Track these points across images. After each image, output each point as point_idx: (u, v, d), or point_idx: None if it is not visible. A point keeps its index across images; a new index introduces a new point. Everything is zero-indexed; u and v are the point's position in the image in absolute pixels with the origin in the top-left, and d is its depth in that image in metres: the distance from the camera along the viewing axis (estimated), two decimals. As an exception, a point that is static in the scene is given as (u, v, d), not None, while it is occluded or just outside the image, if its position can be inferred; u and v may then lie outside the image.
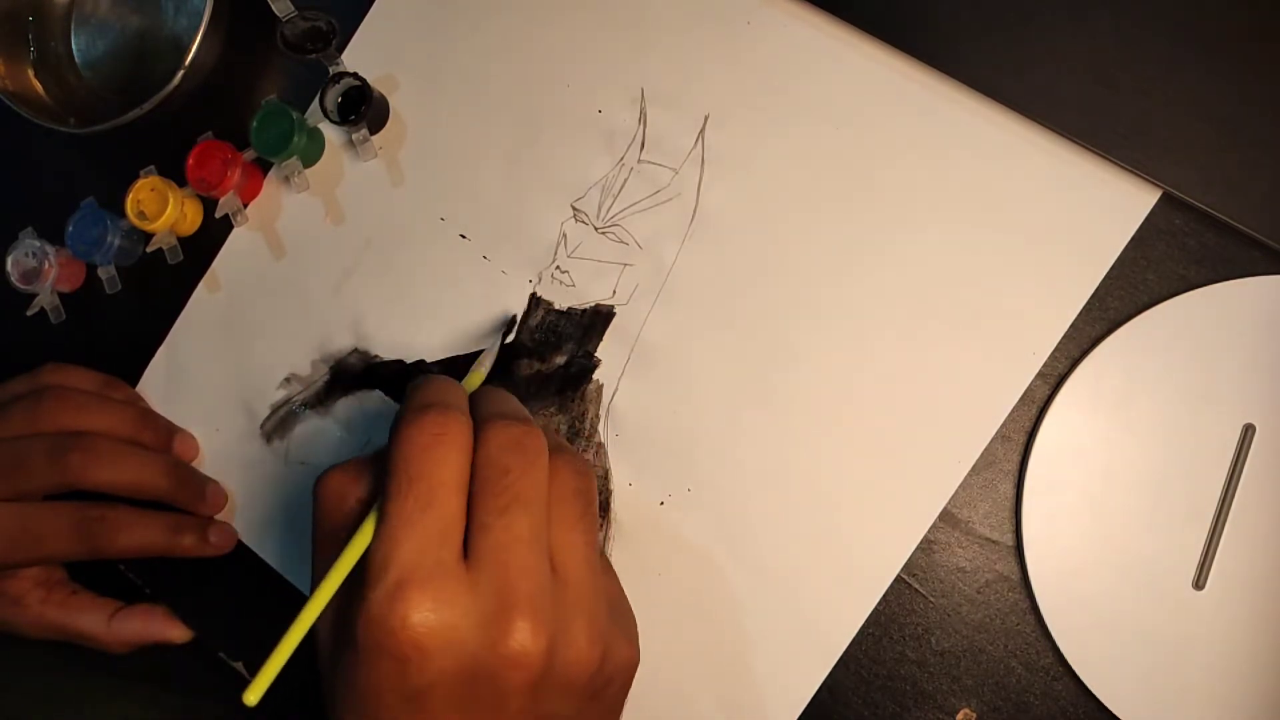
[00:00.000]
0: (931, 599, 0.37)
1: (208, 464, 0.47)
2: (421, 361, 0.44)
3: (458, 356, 0.44)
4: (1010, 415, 0.37)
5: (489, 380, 0.38)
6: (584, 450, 0.41)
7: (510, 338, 0.42)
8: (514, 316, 0.43)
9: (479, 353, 0.43)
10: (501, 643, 0.27)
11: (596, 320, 0.42)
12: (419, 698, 0.27)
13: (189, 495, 0.44)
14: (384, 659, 0.27)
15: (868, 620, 0.37)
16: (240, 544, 0.46)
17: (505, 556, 0.28)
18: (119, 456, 0.42)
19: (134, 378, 0.48)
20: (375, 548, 0.28)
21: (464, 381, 0.36)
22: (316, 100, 0.45)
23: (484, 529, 0.28)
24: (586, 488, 0.31)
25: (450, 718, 0.28)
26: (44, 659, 0.44)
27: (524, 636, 0.27)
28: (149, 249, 0.47)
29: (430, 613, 0.26)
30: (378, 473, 0.30)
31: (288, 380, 0.46)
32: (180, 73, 0.45)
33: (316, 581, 0.29)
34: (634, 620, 0.34)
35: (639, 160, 0.42)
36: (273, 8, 0.44)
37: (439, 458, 0.28)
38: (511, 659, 0.27)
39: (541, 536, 0.29)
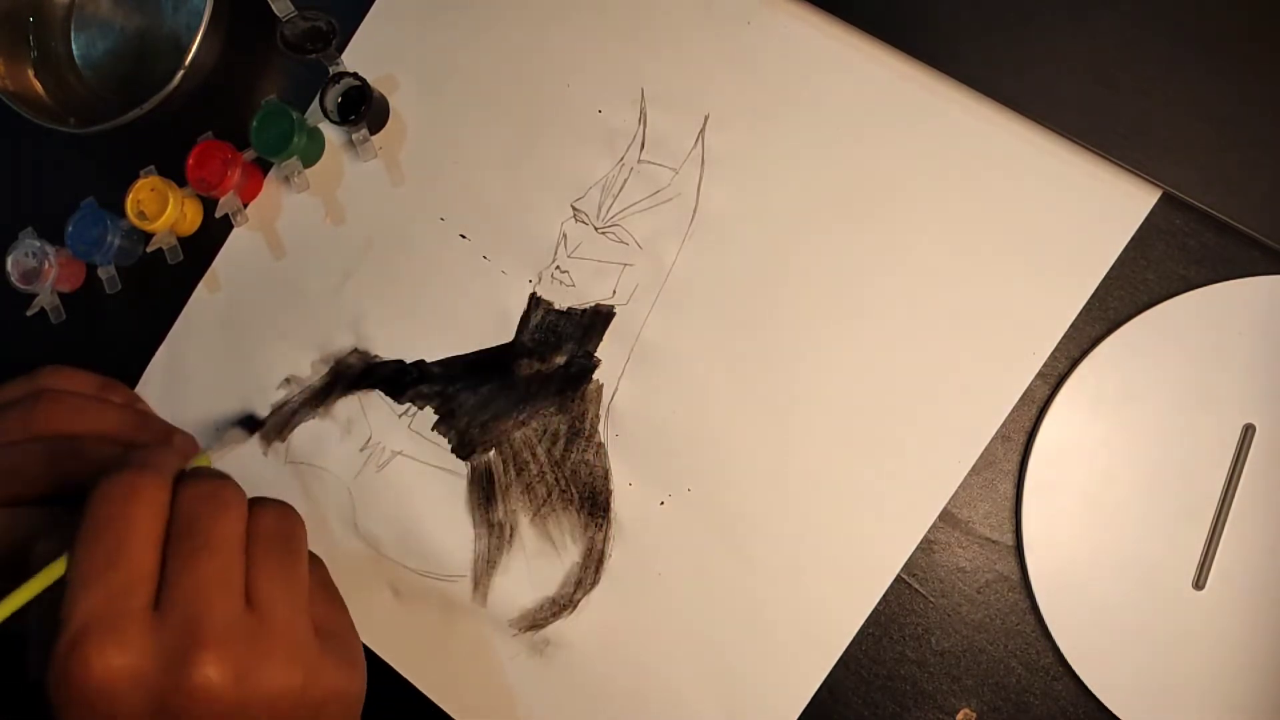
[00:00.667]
0: (931, 599, 0.37)
1: (208, 464, 0.47)
2: (421, 361, 0.44)
3: (457, 356, 0.44)
4: (1010, 415, 0.37)
5: (499, 388, 0.38)
6: (584, 450, 0.41)
7: (252, 435, 0.45)
8: (253, 416, 0.45)
9: (478, 353, 0.43)
10: (186, 678, 0.28)
11: (596, 320, 0.42)
12: None
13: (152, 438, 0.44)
14: (73, 706, 0.28)
15: (868, 620, 0.37)
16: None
17: (191, 596, 0.29)
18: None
19: (134, 378, 0.48)
20: (64, 598, 0.28)
21: (192, 461, 0.37)
22: (316, 100, 0.45)
23: (172, 574, 0.29)
24: (287, 529, 0.33)
25: None
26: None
27: (209, 670, 0.28)
28: (149, 249, 0.47)
29: (114, 657, 0.27)
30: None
31: (288, 380, 0.46)
32: (180, 73, 0.45)
33: None
34: (356, 647, 0.34)
35: (639, 160, 0.42)
36: (273, 8, 0.44)
37: (130, 513, 0.30)
38: (198, 692, 0.28)
39: (232, 578, 0.30)
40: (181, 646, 0.28)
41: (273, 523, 0.32)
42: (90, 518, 0.30)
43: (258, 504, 0.33)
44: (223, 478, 0.32)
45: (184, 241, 0.47)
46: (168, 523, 0.30)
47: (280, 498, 0.45)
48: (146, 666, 0.28)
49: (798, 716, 0.38)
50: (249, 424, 0.45)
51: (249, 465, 0.46)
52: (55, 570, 0.30)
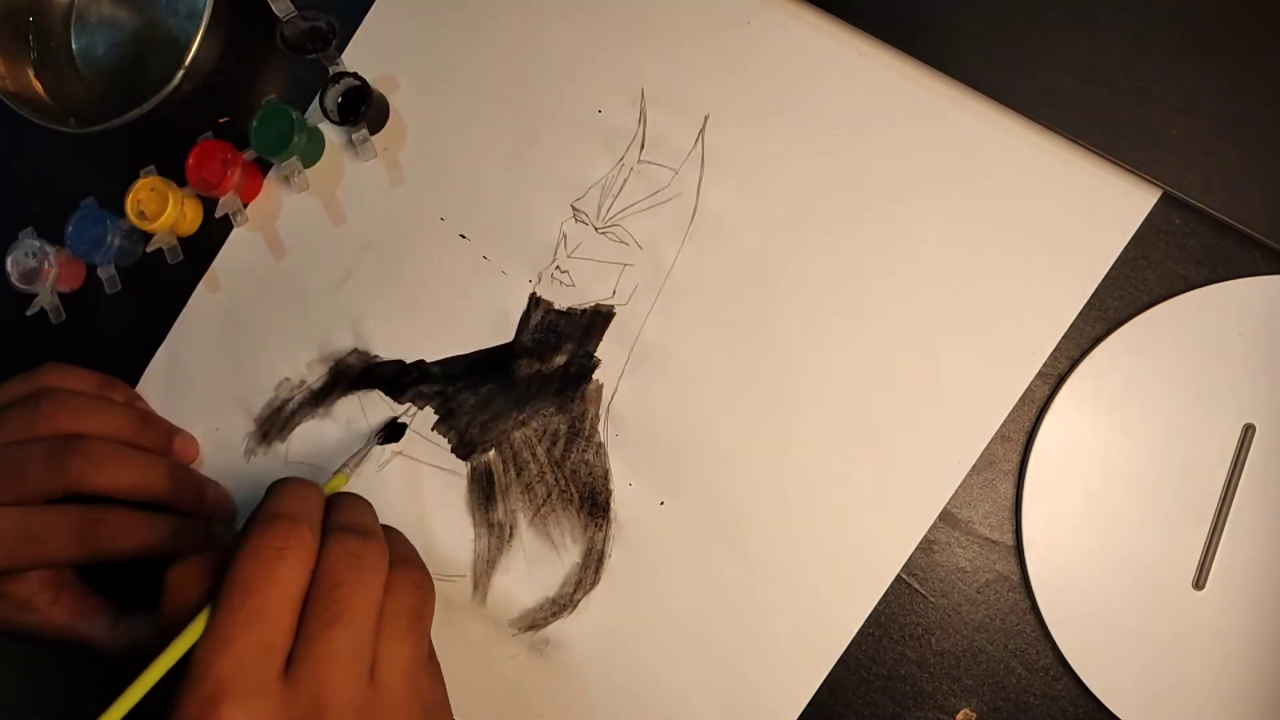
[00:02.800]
0: (931, 599, 0.37)
1: (208, 464, 0.47)
2: (421, 361, 0.44)
3: (457, 357, 0.44)
4: (1010, 415, 0.37)
5: (499, 388, 0.39)
6: (584, 450, 0.41)
7: (380, 442, 0.43)
8: (393, 420, 0.44)
9: (478, 353, 0.43)
10: None
11: (596, 320, 0.42)
12: None
13: (189, 497, 0.44)
14: None
15: (868, 620, 0.37)
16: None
17: (324, 670, 0.29)
18: (118, 460, 0.42)
19: (134, 378, 0.48)
20: (199, 653, 0.28)
21: (325, 485, 0.37)
22: (316, 100, 0.45)
23: (308, 641, 0.29)
24: (421, 602, 0.33)
25: None
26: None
27: None
28: (149, 249, 0.47)
29: None
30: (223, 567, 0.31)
31: (287, 380, 0.46)
32: (180, 73, 0.45)
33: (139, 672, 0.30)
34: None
35: (639, 160, 0.42)
36: (273, 8, 0.44)
37: (276, 574, 0.30)
38: None
39: (364, 649, 0.30)
40: (307, 717, 0.28)
41: (410, 592, 0.32)
42: (239, 571, 0.29)
43: (398, 569, 0.32)
44: (367, 536, 0.32)
45: (184, 241, 0.47)
46: (311, 579, 0.30)
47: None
48: None
49: (798, 716, 0.38)
50: (390, 434, 0.43)
51: (249, 465, 0.46)
52: (199, 627, 0.30)
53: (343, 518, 0.33)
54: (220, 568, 0.31)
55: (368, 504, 0.35)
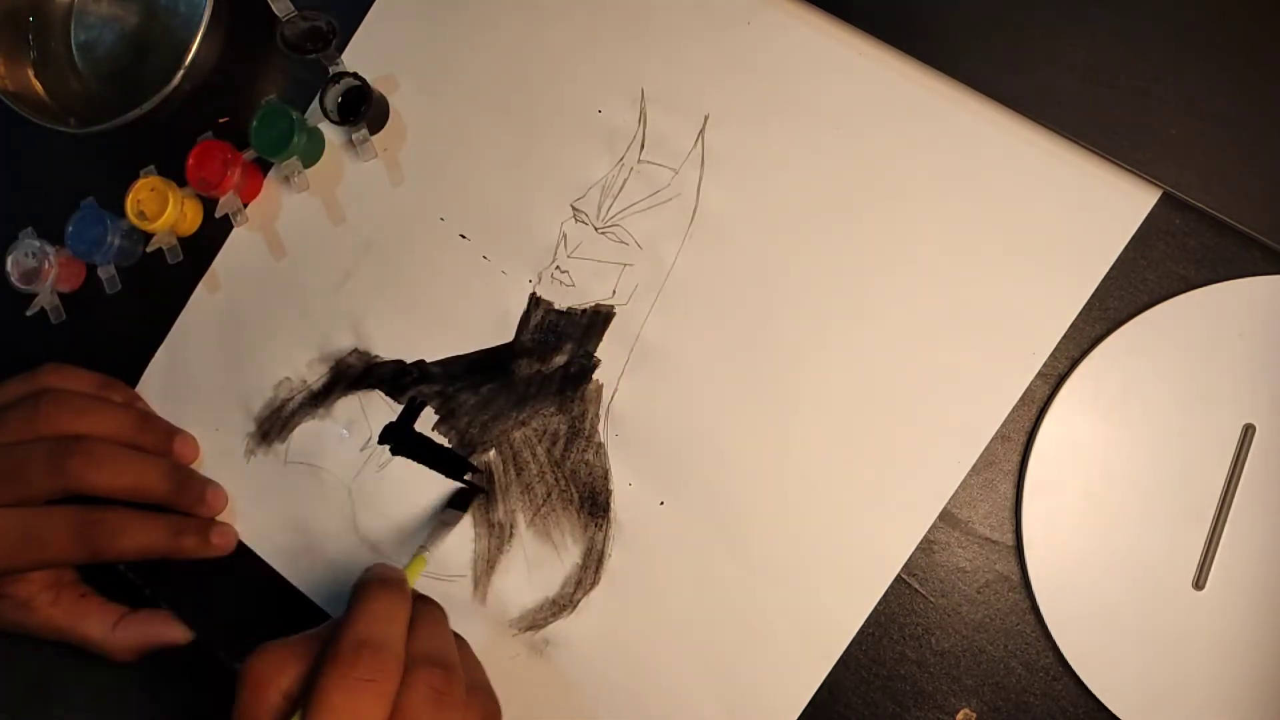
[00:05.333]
0: (931, 599, 0.37)
1: (208, 464, 0.47)
2: (421, 361, 0.44)
3: (457, 357, 0.44)
4: (1010, 415, 0.37)
5: (499, 388, 0.38)
6: (584, 450, 0.41)
7: (463, 515, 0.43)
8: (473, 489, 0.43)
9: (478, 353, 0.43)
10: None
11: (596, 320, 0.42)
12: None
13: (189, 498, 0.44)
14: None
15: (868, 620, 0.37)
16: (241, 544, 0.46)
17: None
18: (118, 460, 0.42)
19: (134, 378, 0.48)
20: None
21: (408, 567, 0.37)
22: (316, 100, 0.45)
23: None
24: None
25: None
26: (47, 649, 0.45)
27: None
28: (149, 249, 0.47)
29: None
30: (308, 672, 0.31)
31: (287, 380, 0.46)
32: (180, 73, 0.45)
33: None
34: None
35: (639, 160, 0.42)
36: (273, 8, 0.44)
37: (364, 707, 0.30)
38: None
39: None
40: None
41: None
42: (326, 699, 0.30)
43: (472, 696, 0.33)
44: (450, 670, 0.32)
45: (184, 241, 0.47)
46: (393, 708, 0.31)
47: (280, 498, 0.45)
48: None
49: (797, 716, 0.38)
50: (461, 502, 0.43)
51: (249, 466, 0.46)
52: None
53: (426, 646, 0.33)
54: (302, 668, 0.31)
55: (445, 618, 0.35)
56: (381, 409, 0.44)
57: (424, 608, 0.35)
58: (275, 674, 0.31)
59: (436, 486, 0.43)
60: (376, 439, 0.44)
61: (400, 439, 0.44)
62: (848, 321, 0.39)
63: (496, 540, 0.42)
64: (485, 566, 0.42)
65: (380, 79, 0.46)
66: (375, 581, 0.34)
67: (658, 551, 0.40)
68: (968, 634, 0.37)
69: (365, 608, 0.33)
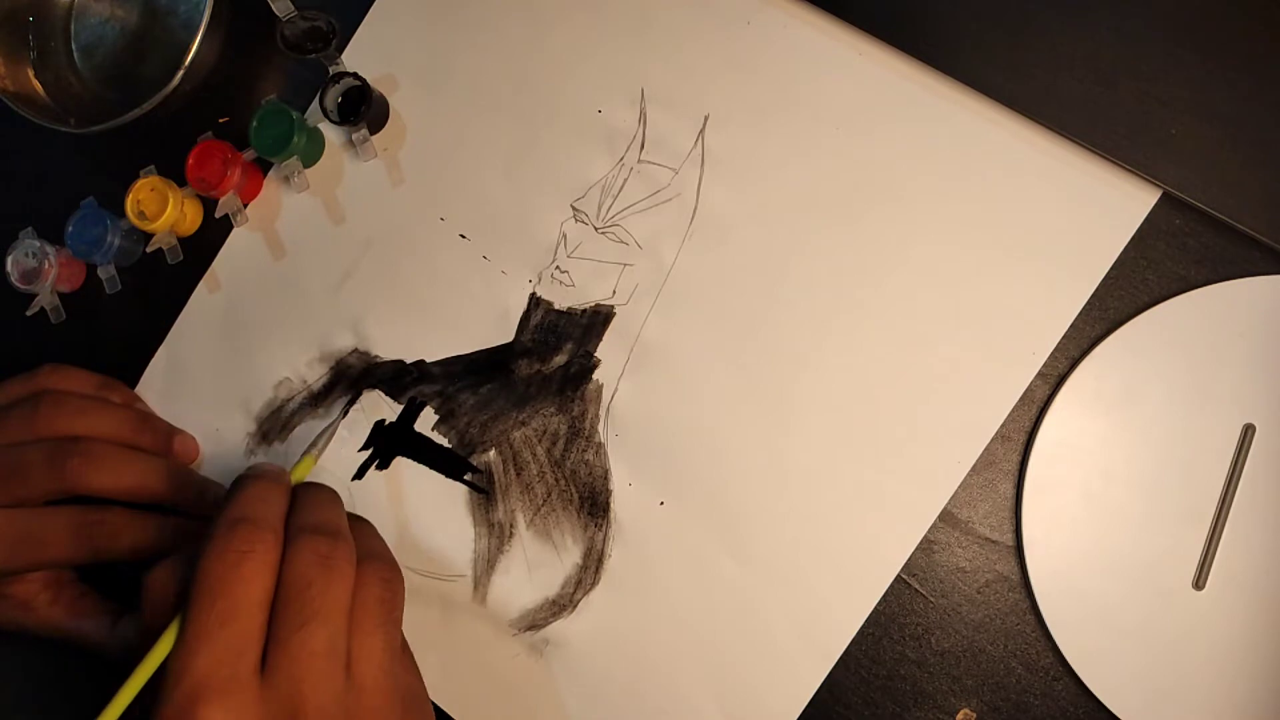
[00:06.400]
0: (931, 599, 0.37)
1: (207, 464, 0.47)
2: (421, 361, 0.44)
3: (457, 356, 0.44)
4: (1010, 415, 0.37)
5: (499, 388, 0.38)
6: (583, 450, 0.41)
7: (343, 419, 0.43)
8: (351, 399, 0.44)
9: (478, 353, 0.43)
10: None
11: (596, 320, 0.42)
12: None
13: (188, 498, 0.44)
14: None
15: (868, 620, 0.37)
16: (240, 544, 0.46)
17: (299, 670, 0.29)
18: (117, 461, 0.42)
19: (134, 378, 0.48)
20: (172, 658, 0.29)
21: (292, 471, 0.37)
22: (316, 100, 0.45)
23: (281, 643, 0.30)
24: (391, 595, 0.33)
25: None
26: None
27: None
28: (149, 249, 0.47)
29: None
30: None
31: (287, 380, 0.46)
32: (180, 73, 0.45)
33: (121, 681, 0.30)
34: (431, 713, 0.35)
35: (639, 160, 0.42)
36: (273, 8, 0.44)
37: (243, 575, 0.30)
38: None
39: (338, 646, 0.30)
40: (286, 716, 0.29)
41: (379, 587, 0.33)
42: (205, 574, 0.30)
43: (366, 565, 0.33)
44: (334, 536, 0.32)
45: (184, 241, 0.47)
46: (277, 580, 0.31)
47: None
48: None
49: (797, 716, 0.38)
50: (344, 408, 0.43)
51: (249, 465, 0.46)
52: (174, 634, 0.30)
53: (308, 518, 0.33)
54: (189, 568, 0.32)
55: (334, 497, 0.35)
56: (382, 409, 0.44)
57: (308, 489, 0.35)
58: (167, 578, 0.32)
59: (437, 486, 0.43)
60: (371, 441, 0.44)
61: (392, 442, 0.44)
62: (848, 321, 0.39)
63: (496, 540, 0.42)
64: (485, 566, 0.42)
65: (380, 79, 0.46)
66: (249, 473, 0.35)
67: (658, 552, 0.40)
68: (968, 634, 0.37)
69: (239, 493, 0.33)
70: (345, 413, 0.44)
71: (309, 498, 0.35)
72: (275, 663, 0.29)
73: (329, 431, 0.41)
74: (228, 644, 0.29)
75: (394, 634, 0.33)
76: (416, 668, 0.35)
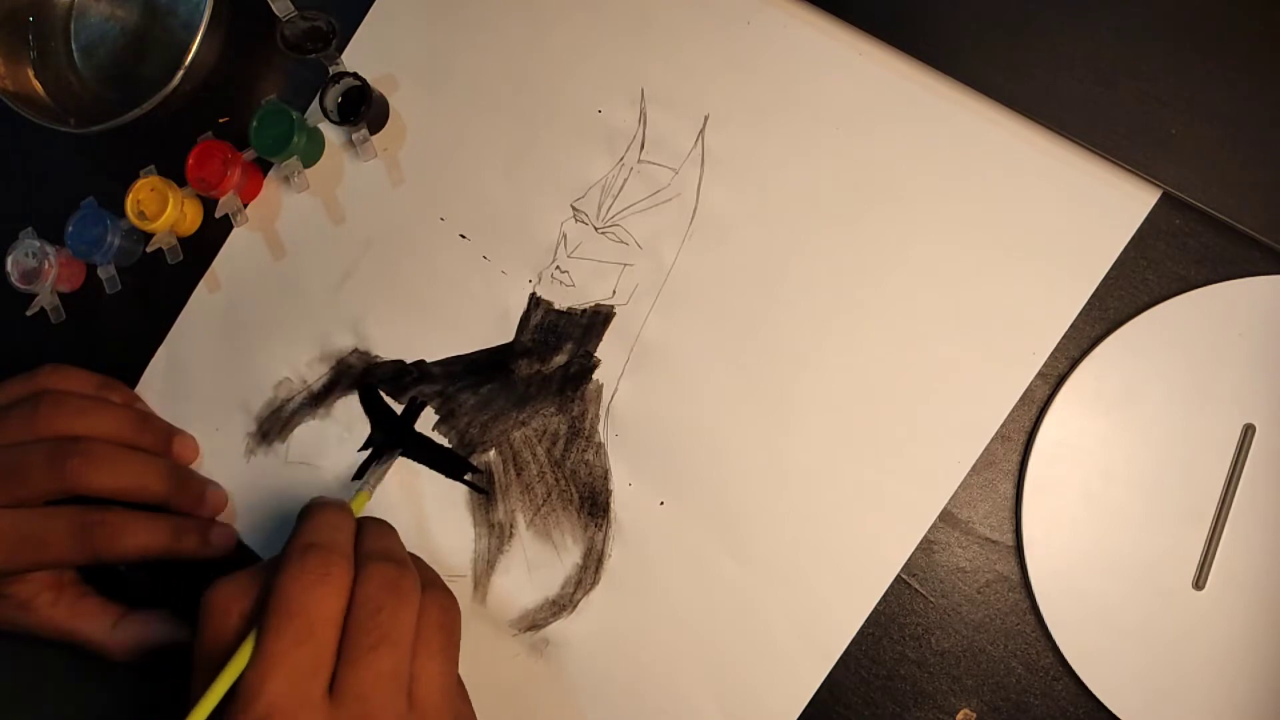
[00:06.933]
0: (931, 599, 0.37)
1: (207, 464, 0.47)
2: (421, 361, 0.44)
3: (457, 356, 0.44)
4: (1010, 415, 0.37)
5: (499, 388, 0.39)
6: (584, 450, 0.41)
7: (394, 461, 0.43)
8: (402, 451, 0.44)
9: (478, 353, 0.43)
10: None
11: (596, 320, 0.42)
12: None
13: (188, 498, 0.44)
14: None
15: (868, 620, 0.37)
16: (241, 544, 0.46)
17: (367, 691, 0.30)
18: (118, 461, 0.42)
19: (134, 378, 0.48)
20: (249, 676, 0.30)
21: (352, 501, 0.38)
22: (316, 100, 0.45)
23: (352, 664, 0.31)
24: (451, 622, 0.34)
25: None
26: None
27: None
28: (149, 249, 0.47)
29: None
30: (262, 591, 0.32)
31: (287, 380, 0.46)
32: (180, 73, 0.45)
33: (194, 700, 0.30)
34: None
35: (639, 160, 0.42)
36: (273, 8, 0.44)
37: (318, 597, 0.31)
38: None
39: (403, 671, 0.31)
40: None
41: (439, 614, 0.34)
42: (283, 597, 0.31)
43: (427, 592, 0.34)
44: (402, 564, 0.33)
45: (184, 241, 0.47)
46: (349, 604, 0.32)
47: (280, 498, 0.45)
48: None
49: (797, 716, 0.38)
50: (393, 444, 0.44)
51: (249, 465, 0.46)
52: (248, 651, 0.31)
53: (375, 545, 0.34)
54: (256, 590, 0.32)
55: (393, 530, 0.36)
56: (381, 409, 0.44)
57: (370, 521, 0.36)
58: (232, 600, 0.32)
59: (437, 486, 0.43)
60: (367, 443, 0.44)
61: (388, 443, 0.44)
62: (848, 321, 0.39)
63: (496, 540, 0.42)
64: (485, 566, 0.42)
65: (380, 79, 0.46)
66: (317, 502, 0.36)
67: (658, 552, 0.40)
68: (968, 634, 0.37)
69: (310, 520, 0.34)
70: (397, 454, 0.44)
71: (372, 528, 0.36)
72: (344, 684, 0.30)
73: (383, 467, 0.42)
74: (302, 664, 0.30)
75: (453, 660, 0.34)
76: (467, 694, 0.37)
